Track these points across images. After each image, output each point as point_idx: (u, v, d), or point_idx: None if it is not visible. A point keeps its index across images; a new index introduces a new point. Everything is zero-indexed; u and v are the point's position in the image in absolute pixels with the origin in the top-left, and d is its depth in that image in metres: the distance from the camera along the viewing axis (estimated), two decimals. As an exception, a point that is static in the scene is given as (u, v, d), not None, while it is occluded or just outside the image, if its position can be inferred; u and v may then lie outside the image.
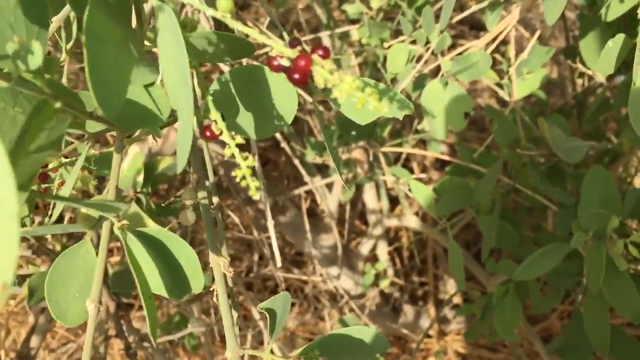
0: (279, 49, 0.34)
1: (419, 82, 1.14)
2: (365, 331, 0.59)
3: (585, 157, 1.15)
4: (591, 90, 1.33)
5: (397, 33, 1.16)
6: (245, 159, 0.37)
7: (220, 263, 0.54)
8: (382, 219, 1.79)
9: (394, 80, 1.02)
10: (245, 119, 0.52)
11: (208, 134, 0.41)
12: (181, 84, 0.38)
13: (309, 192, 1.84)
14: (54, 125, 0.39)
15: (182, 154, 0.36)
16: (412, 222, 1.67)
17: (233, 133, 0.39)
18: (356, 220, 2.17)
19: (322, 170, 1.79)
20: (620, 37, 0.68)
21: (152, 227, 0.45)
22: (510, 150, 1.05)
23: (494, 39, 0.94)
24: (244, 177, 0.37)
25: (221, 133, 0.39)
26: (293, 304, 2.24)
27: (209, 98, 0.41)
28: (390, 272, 2.06)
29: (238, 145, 0.39)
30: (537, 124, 1.01)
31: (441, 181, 1.12)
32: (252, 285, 2.11)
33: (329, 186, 1.84)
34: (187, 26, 0.42)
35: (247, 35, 0.64)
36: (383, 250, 1.92)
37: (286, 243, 2.12)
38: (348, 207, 1.87)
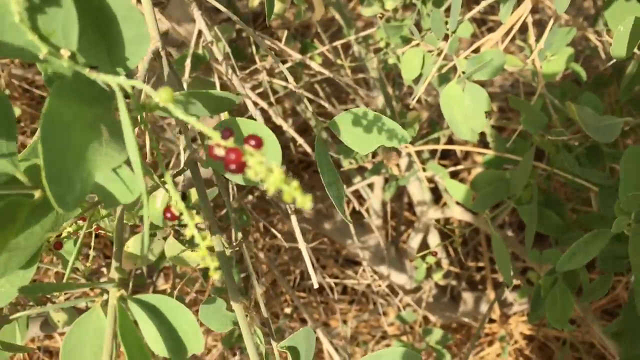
0: (215, 139, 0.35)
1: (445, 77, 1.13)
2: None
3: (625, 132, 1.11)
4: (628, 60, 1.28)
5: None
6: (204, 238, 0.38)
7: (242, 309, 0.55)
8: (427, 211, 1.78)
9: (417, 79, 1.01)
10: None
11: (169, 215, 0.43)
12: (136, 167, 0.39)
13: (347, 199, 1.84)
14: (41, 212, 0.41)
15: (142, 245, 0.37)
16: (457, 213, 1.64)
17: (194, 212, 0.40)
18: (405, 212, 2.16)
19: (363, 170, 1.79)
20: (630, 20, 0.65)
21: (164, 299, 0.46)
22: (542, 137, 1.02)
23: (509, 31, 0.91)
24: (203, 258, 0.38)
25: (181, 214, 0.40)
26: (351, 301, 2.25)
27: (168, 178, 0.42)
28: (445, 261, 2.05)
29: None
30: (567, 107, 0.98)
31: (477, 176, 1.11)
32: (308, 291, 2.13)
33: (370, 186, 1.83)
34: (146, 107, 0.44)
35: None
36: (434, 241, 1.90)
37: (337, 245, 2.13)
38: (391, 204, 1.87)
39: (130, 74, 0.51)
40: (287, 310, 2.01)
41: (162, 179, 0.47)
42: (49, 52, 0.39)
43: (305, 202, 0.32)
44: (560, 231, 1.05)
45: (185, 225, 0.90)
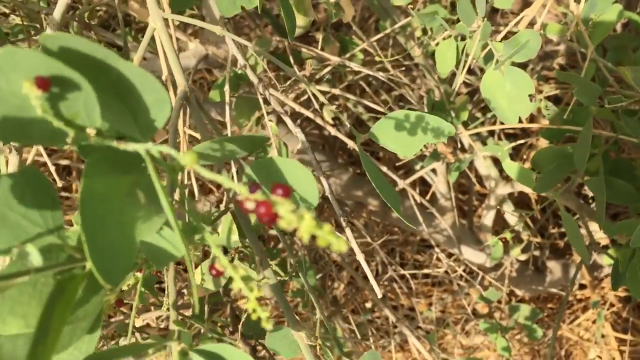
0: (243, 193, 0.35)
1: (489, 57, 1.09)
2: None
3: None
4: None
5: (449, 20, 1.12)
6: (252, 290, 0.39)
7: (303, 337, 0.57)
8: (495, 187, 1.73)
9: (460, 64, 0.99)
10: None
11: (214, 272, 0.44)
12: (173, 229, 0.41)
13: (412, 185, 1.83)
14: (97, 283, 0.43)
15: (195, 297, 0.38)
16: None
17: (236, 265, 0.41)
18: (475, 186, 2.11)
19: (423, 157, 1.76)
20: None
21: (221, 346, 0.48)
22: (599, 105, 0.97)
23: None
24: (254, 310, 0.39)
25: (225, 269, 0.41)
26: (434, 284, 2.24)
27: (207, 234, 0.43)
28: (524, 233, 1.99)
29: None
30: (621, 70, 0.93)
31: (536, 154, 1.07)
32: (388, 280, 2.13)
33: (433, 170, 1.81)
34: (176, 169, 0.45)
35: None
36: (508, 215, 1.85)
37: (409, 232, 2.12)
38: (460, 180, 1.83)
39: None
40: (368, 304, 2.02)
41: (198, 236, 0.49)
42: (75, 134, 0.42)
43: (340, 246, 0.33)
44: (633, 199, 1.00)
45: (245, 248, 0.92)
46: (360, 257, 0.91)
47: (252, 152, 0.56)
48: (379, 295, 0.86)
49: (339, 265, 2.02)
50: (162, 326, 1.65)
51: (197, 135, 0.86)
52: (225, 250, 0.45)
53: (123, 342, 1.46)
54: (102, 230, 0.40)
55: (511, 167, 1.09)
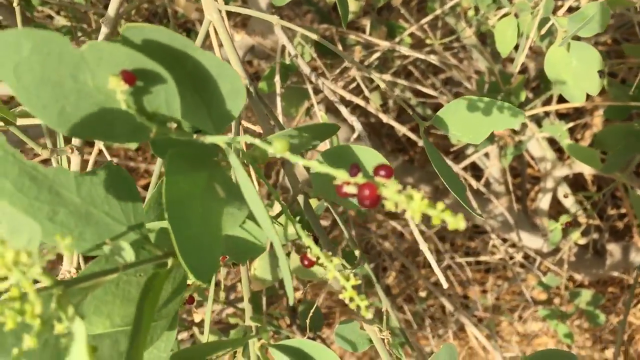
0: (342, 177, 0.34)
1: (549, 34, 1.05)
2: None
3: None
4: None
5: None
6: (348, 279, 0.38)
7: (376, 331, 0.55)
8: (552, 169, 1.69)
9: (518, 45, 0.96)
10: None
11: (306, 262, 0.43)
12: (262, 220, 0.40)
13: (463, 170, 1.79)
14: (174, 276, 0.43)
15: (288, 289, 0.38)
16: (586, 168, 1.55)
17: (330, 254, 0.40)
18: (528, 168, 2.06)
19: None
20: None
21: (295, 340, 0.47)
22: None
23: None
24: (351, 299, 0.38)
25: (318, 259, 0.40)
26: (487, 270, 2.20)
27: (297, 226, 0.42)
28: (582, 216, 1.93)
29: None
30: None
31: (601, 132, 1.03)
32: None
33: (486, 155, 1.77)
34: (258, 159, 0.44)
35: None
36: (565, 198, 1.80)
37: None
38: (512, 163, 1.79)
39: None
40: (422, 293, 2.00)
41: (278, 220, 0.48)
42: (157, 129, 0.41)
43: (459, 223, 0.31)
44: None
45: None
46: (423, 246, 0.89)
47: (324, 140, 0.55)
48: (445, 286, 0.84)
49: (389, 254, 2.00)
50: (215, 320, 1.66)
51: (255, 128, 0.85)
52: (316, 240, 0.44)
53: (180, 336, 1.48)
54: (188, 228, 0.39)
55: (573, 148, 1.05)
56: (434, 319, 2.04)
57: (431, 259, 0.81)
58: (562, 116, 1.97)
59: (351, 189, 0.34)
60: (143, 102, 0.41)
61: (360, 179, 0.34)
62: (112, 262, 0.42)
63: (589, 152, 1.06)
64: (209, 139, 0.44)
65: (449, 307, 1.49)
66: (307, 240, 0.42)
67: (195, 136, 0.43)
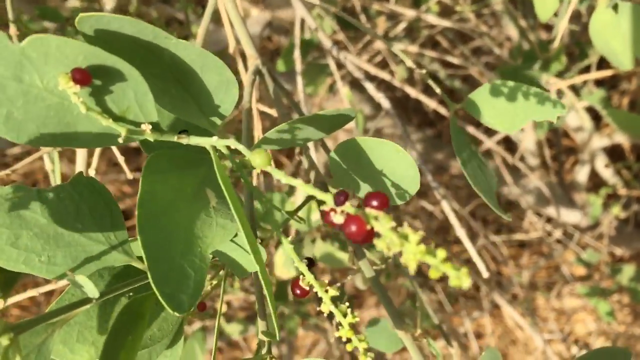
0: (328, 203, 0.27)
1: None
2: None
3: None
4: None
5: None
6: (345, 315, 0.32)
7: (408, 336, 0.49)
8: (589, 140, 1.58)
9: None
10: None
11: (298, 292, 0.36)
12: (246, 243, 0.33)
13: (498, 143, 1.70)
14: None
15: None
16: (624, 137, 1.44)
17: (326, 284, 0.33)
18: (563, 139, 1.95)
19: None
20: None
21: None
22: None
23: None
24: (348, 340, 0.32)
25: (312, 288, 0.34)
26: (522, 245, 2.11)
27: (288, 247, 0.35)
28: (620, 187, 1.83)
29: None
30: None
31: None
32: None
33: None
34: (247, 166, 0.37)
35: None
36: (604, 169, 1.70)
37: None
38: (546, 135, 1.69)
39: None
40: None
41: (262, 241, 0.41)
42: (128, 131, 0.34)
43: (462, 280, 0.24)
44: None
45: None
46: (460, 233, 0.82)
47: (335, 130, 0.48)
48: (485, 275, 0.77)
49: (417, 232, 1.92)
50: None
51: (271, 112, 0.78)
52: (311, 263, 0.37)
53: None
54: (166, 246, 0.33)
55: (616, 115, 0.96)
56: (467, 298, 1.97)
57: (470, 246, 0.74)
58: (597, 84, 1.86)
59: (338, 219, 0.28)
60: (107, 103, 0.34)
61: (348, 208, 0.27)
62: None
63: (632, 118, 0.97)
64: (193, 141, 0.37)
65: (484, 289, 1.41)
66: (300, 266, 0.35)
67: (176, 137, 0.37)
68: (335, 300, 0.34)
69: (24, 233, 0.35)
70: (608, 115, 0.98)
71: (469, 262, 1.92)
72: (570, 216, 1.73)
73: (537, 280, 2.02)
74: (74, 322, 0.40)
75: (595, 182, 1.89)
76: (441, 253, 0.24)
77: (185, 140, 0.37)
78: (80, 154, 0.76)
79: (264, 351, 0.48)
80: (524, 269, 2.04)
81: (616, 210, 1.56)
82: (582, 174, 1.70)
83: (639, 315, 1.99)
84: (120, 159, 0.71)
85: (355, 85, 1.53)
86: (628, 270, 1.64)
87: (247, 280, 1.47)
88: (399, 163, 0.45)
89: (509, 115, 0.54)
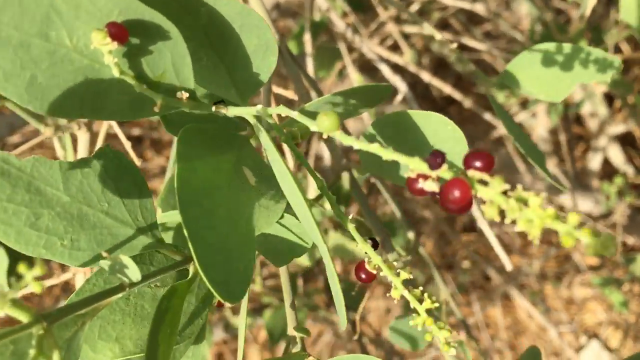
0: (419, 168, 0.24)
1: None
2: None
3: None
4: None
5: None
6: (421, 300, 0.28)
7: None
8: (605, 127, 1.55)
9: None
10: (402, 170, 0.43)
11: (363, 276, 0.33)
12: (304, 219, 0.30)
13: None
14: (200, 290, 0.33)
15: (340, 312, 0.28)
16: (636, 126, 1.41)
17: (397, 266, 0.30)
18: (573, 125, 1.92)
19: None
20: None
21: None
22: None
23: None
24: (424, 323, 0.28)
25: (380, 270, 0.30)
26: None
27: (350, 225, 0.32)
28: (632, 175, 1.80)
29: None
30: None
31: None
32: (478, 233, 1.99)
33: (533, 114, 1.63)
34: (296, 136, 0.33)
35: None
36: (616, 157, 1.66)
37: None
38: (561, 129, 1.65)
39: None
40: (466, 264, 1.89)
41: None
42: (163, 100, 0.31)
43: (607, 247, 0.21)
44: None
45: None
46: (483, 224, 0.79)
47: (375, 105, 0.44)
48: (509, 268, 0.74)
49: (427, 220, 1.89)
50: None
51: (287, 94, 0.74)
52: (375, 244, 0.33)
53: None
54: (211, 232, 0.29)
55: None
56: (476, 287, 1.95)
57: (494, 240, 0.71)
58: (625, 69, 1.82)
59: (431, 186, 0.24)
60: (142, 66, 0.30)
61: (445, 172, 0.23)
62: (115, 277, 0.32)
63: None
64: (232, 112, 0.33)
65: (495, 279, 1.38)
66: (365, 246, 0.31)
67: (214, 108, 0.33)
68: (407, 285, 0.30)
69: (45, 212, 0.32)
70: (638, 102, 0.94)
71: (476, 252, 1.89)
72: (583, 204, 1.70)
73: (547, 270, 1.99)
74: (96, 316, 0.36)
75: (606, 170, 1.86)
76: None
77: (224, 111, 0.33)
78: (82, 138, 0.72)
79: (295, 349, 0.44)
80: (534, 258, 2.02)
81: (630, 198, 1.53)
82: (594, 162, 1.67)
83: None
84: (127, 144, 0.66)
85: (364, 70, 1.49)
86: (641, 260, 1.61)
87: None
88: (446, 138, 0.41)
89: (553, 82, 0.51)
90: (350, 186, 0.53)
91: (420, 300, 0.32)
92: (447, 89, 1.12)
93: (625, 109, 1.46)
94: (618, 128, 1.52)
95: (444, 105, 1.96)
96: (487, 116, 1.26)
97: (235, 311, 1.39)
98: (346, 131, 0.45)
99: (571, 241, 0.21)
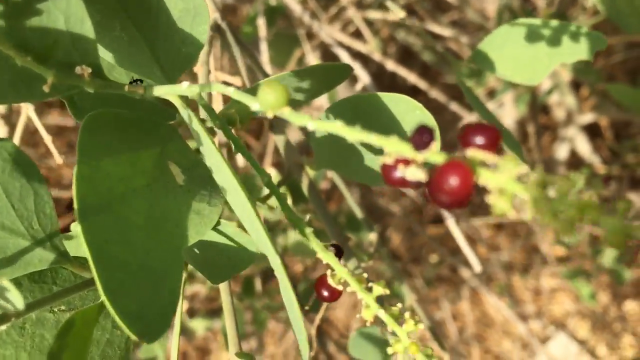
0: (398, 150, 0.18)
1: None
2: None
3: None
4: None
5: None
6: (399, 320, 0.23)
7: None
8: (573, 117, 1.52)
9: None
10: (367, 163, 0.37)
11: (326, 293, 0.27)
12: (247, 220, 0.24)
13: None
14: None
15: (302, 345, 0.22)
16: (611, 111, 1.38)
17: (368, 281, 0.24)
18: (540, 115, 1.89)
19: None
20: None
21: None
22: None
23: None
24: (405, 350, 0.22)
25: (345, 284, 0.25)
26: (499, 226, 2.06)
27: (306, 230, 0.26)
28: (599, 165, 1.78)
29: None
30: None
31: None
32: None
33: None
34: (235, 121, 0.27)
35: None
36: (584, 146, 1.64)
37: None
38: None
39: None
40: (434, 257, 1.86)
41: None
42: (56, 78, 0.24)
43: None
44: None
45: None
46: (450, 220, 0.74)
47: (333, 87, 0.38)
48: (477, 270, 0.69)
49: (393, 215, 1.85)
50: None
51: (233, 80, 0.67)
52: (339, 251, 0.27)
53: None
54: (124, 246, 0.23)
55: (619, 91, 0.88)
56: (443, 280, 1.91)
57: (462, 241, 0.66)
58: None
59: (415, 174, 0.18)
60: (25, 33, 0.23)
61: (436, 154, 0.17)
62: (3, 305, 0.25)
63: (633, 94, 0.90)
64: (153, 92, 0.27)
65: (463, 272, 1.35)
66: (326, 256, 0.25)
67: (127, 88, 0.26)
68: (381, 302, 0.25)
69: None
70: (611, 91, 0.90)
71: (442, 243, 1.85)
72: (549, 195, 1.68)
73: (514, 262, 1.97)
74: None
75: (572, 161, 1.84)
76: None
77: (140, 92, 0.27)
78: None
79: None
80: (501, 250, 1.99)
81: (598, 188, 1.51)
82: (561, 151, 1.65)
83: (619, 296, 1.96)
84: (47, 138, 0.54)
85: (326, 58, 1.43)
86: (610, 252, 1.59)
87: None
88: (414, 125, 0.35)
89: (530, 63, 0.45)
90: (308, 191, 0.46)
91: (399, 319, 0.26)
92: (412, 77, 1.06)
93: (593, 97, 1.44)
94: (586, 117, 1.49)
95: (411, 96, 1.91)
96: (454, 106, 1.22)
97: (192, 314, 1.32)
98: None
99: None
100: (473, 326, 1.90)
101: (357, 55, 1.60)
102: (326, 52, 1.31)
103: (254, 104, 0.22)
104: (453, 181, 0.17)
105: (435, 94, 1.14)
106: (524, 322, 1.63)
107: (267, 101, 0.20)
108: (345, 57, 0.79)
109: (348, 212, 0.94)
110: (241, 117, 0.28)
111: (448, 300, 1.78)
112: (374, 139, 0.19)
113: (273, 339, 1.93)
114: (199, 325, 1.20)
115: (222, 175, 0.24)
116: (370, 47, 1.29)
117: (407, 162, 0.19)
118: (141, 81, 0.28)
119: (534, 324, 1.90)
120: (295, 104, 0.39)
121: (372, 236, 0.56)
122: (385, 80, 1.86)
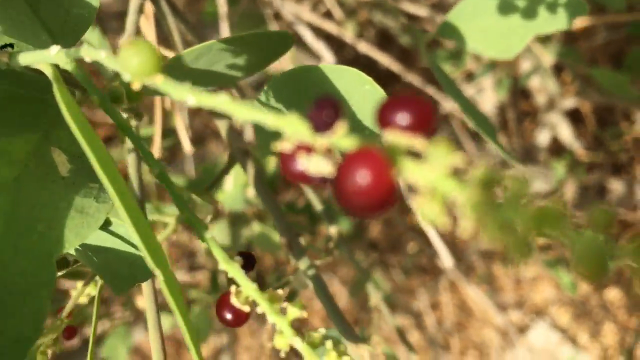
0: (299, 132, 0.13)
1: None
2: None
3: None
4: None
5: None
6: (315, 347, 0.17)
7: (366, 356, 0.35)
8: (555, 102, 1.48)
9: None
10: None
11: (229, 316, 0.21)
12: (129, 224, 0.18)
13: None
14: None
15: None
16: (594, 96, 1.34)
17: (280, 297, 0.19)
18: (521, 100, 1.86)
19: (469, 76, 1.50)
20: None
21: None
22: None
23: None
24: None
25: (253, 305, 0.19)
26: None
27: (207, 237, 0.20)
28: (582, 151, 1.75)
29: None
30: None
31: (633, 55, 0.82)
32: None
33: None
34: (120, 96, 0.22)
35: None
36: (565, 133, 1.61)
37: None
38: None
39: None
40: (412, 246, 1.82)
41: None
42: None
43: None
44: None
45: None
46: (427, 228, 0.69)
47: (273, 61, 0.33)
48: (449, 265, 0.65)
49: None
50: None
51: (170, 54, 0.61)
52: (250, 260, 0.22)
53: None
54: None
55: (603, 75, 0.84)
56: (421, 269, 1.88)
57: (436, 239, 0.62)
58: (570, 39, 1.76)
59: (318, 166, 0.13)
60: None
61: (344, 138, 0.12)
62: None
63: (617, 78, 0.85)
64: (19, 59, 0.21)
65: (443, 264, 1.31)
66: (230, 268, 0.20)
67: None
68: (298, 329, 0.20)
69: None
70: (595, 75, 0.86)
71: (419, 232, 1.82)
72: (532, 182, 1.64)
73: (495, 250, 1.94)
74: None
75: (554, 147, 1.81)
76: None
77: (4, 60, 0.21)
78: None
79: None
80: (480, 237, 1.96)
81: (580, 174, 1.48)
82: (542, 137, 1.61)
83: (600, 284, 1.94)
84: None
85: (299, 43, 1.37)
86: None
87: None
88: (363, 102, 0.30)
89: (504, 35, 0.40)
90: (254, 178, 0.41)
91: (315, 347, 0.21)
92: (386, 60, 1.01)
93: (576, 82, 1.40)
94: (568, 103, 1.45)
95: (389, 81, 1.87)
96: (431, 91, 1.17)
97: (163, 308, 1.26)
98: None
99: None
100: (452, 316, 1.87)
101: (329, 38, 1.54)
102: (296, 35, 1.25)
103: (124, 70, 0.17)
104: (360, 177, 0.12)
105: (411, 77, 1.08)
106: (504, 312, 1.60)
107: (129, 66, 0.15)
108: (308, 36, 0.73)
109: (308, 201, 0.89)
110: (128, 92, 0.23)
111: (426, 290, 1.75)
112: (268, 118, 0.14)
113: (250, 330, 1.89)
114: (165, 322, 1.15)
115: (94, 163, 0.19)
116: (342, 28, 1.24)
117: (308, 149, 0.14)
118: (11, 46, 0.22)
119: (515, 313, 1.88)
120: (229, 81, 0.34)
121: (332, 230, 0.51)
122: (362, 63, 1.80)
